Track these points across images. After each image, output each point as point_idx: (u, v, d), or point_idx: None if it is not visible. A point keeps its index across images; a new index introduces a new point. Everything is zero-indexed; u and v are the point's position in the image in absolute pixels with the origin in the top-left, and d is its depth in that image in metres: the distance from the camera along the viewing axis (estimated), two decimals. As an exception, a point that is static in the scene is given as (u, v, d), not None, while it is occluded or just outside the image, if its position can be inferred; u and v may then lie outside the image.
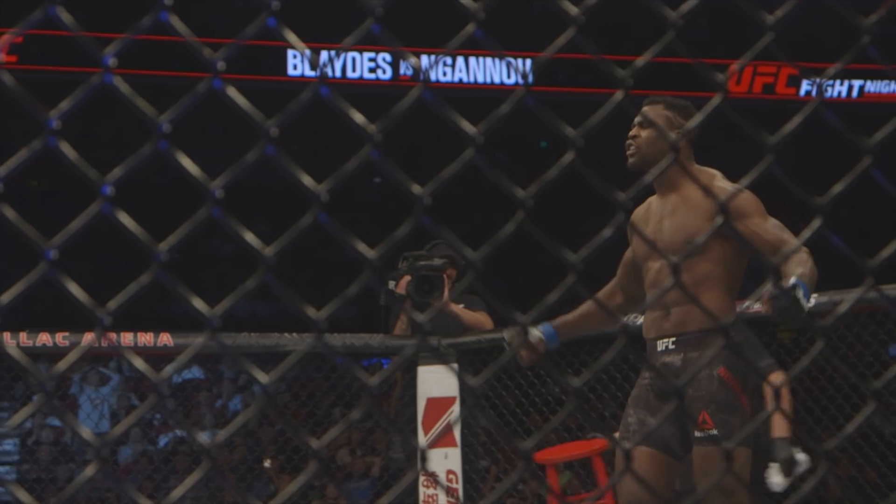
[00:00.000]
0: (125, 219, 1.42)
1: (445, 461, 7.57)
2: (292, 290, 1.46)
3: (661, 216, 5.07)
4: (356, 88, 19.81)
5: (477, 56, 20.90)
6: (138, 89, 1.44)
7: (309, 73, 20.68)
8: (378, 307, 8.22)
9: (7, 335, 7.47)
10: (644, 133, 5.07)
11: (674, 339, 4.96)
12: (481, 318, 8.07)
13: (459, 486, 7.74)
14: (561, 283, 1.67)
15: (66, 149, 1.40)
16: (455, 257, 8.06)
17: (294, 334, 7.90)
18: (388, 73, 20.83)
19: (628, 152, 5.08)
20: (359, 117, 1.46)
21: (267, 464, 10.86)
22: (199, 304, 1.41)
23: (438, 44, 19.77)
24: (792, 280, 4.49)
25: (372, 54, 20.65)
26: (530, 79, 1.63)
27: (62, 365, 1.46)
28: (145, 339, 7.78)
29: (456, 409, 7.83)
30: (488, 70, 21.06)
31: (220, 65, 1.39)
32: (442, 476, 7.70)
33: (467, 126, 1.55)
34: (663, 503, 5.01)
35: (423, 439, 7.68)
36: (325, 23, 17.42)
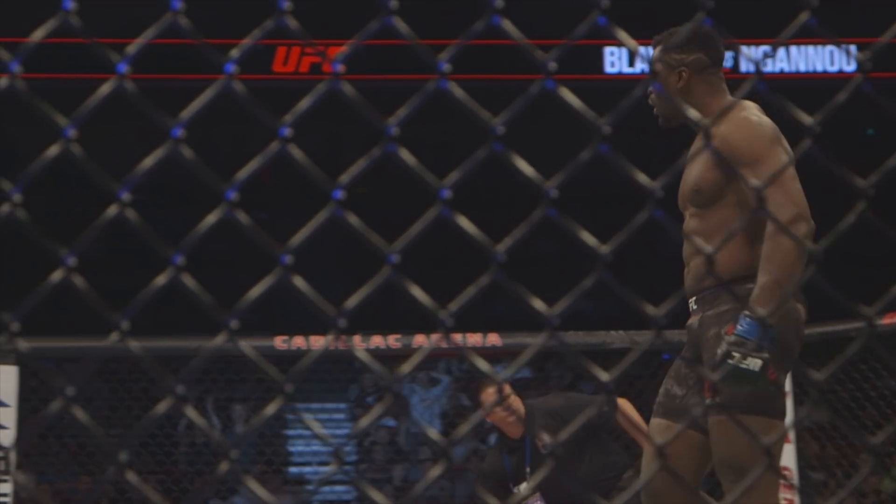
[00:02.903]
0: (463, 221, 1.44)
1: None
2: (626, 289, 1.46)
3: (689, 160, 4.32)
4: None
5: (798, 45, 20.44)
6: (470, 94, 1.46)
7: (627, 69, 20.62)
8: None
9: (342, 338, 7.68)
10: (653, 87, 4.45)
11: (695, 297, 4.26)
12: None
13: (795, 482, 7.58)
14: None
15: (405, 155, 1.44)
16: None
17: (620, 332, 7.88)
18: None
19: (654, 114, 4.43)
20: (693, 113, 1.44)
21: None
22: (538, 304, 1.43)
23: (749, 35, 19.41)
24: (732, 336, 3.88)
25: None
26: (868, 65, 1.58)
27: (406, 367, 1.49)
28: (474, 339, 7.88)
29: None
30: (810, 58, 20.56)
31: (552, 65, 1.40)
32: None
33: (803, 116, 1.52)
34: (683, 481, 4.25)
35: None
36: (643, 17, 17.31)
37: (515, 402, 6.89)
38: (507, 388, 6.83)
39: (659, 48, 4.44)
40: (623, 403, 7.00)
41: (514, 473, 6.95)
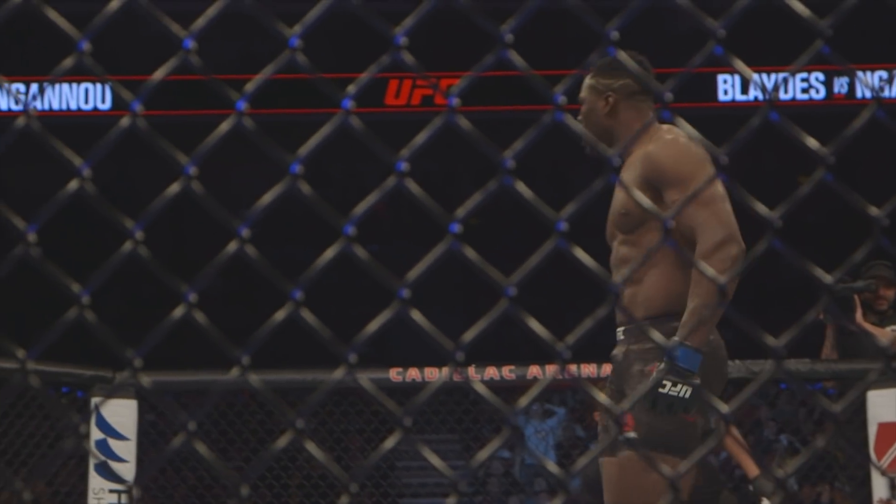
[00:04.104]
0: (580, 253, 1.44)
1: (901, 489, 7.28)
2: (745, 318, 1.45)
3: (617, 186, 4.25)
4: (788, 110, 19.46)
5: (915, 68, 20.15)
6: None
7: (740, 97, 20.47)
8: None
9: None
10: (581, 110, 4.34)
11: (623, 328, 4.15)
12: None
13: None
14: None
15: (521, 187, 1.44)
16: (889, 277, 7.87)
17: (736, 361, 7.79)
18: (822, 93, 20.36)
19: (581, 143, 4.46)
20: (811, 141, 1.43)
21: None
22: (656, 335, 1.42)
23: (864, 60, 19.16)
24: (662, 364, 3.75)
25: (804, 74, 20.24)
26: None
27: (525, 400, 1.49)
28: (588, 370, 7.83)
29: (910, 434, 7.54)
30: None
31: (668, 96, 1.39)
32: (898, 505, 7.42)
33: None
34: None
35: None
36: (761, 46, 17.19)
37: None
38: None
39: (589, 75, 4.35)
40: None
41: None
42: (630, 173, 4.14)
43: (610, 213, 4.23)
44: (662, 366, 3.80)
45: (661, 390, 3.75)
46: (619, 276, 4.21)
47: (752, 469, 7.11)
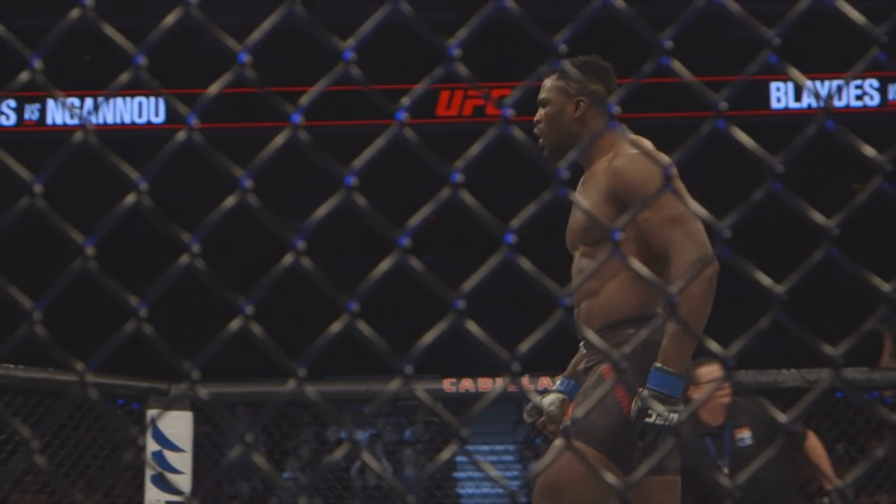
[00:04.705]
0: (635, 264, 1.44)
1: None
2: (802, 327, 1.44)
3: (578, 195, 4.12)
4: (842, 117, 19.33)
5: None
6: (643, 132, 1.46)
7: (793, 105, 20.36)
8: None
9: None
10: (543, 113, 4.21)
11: (583, 342, 4.03)
12: None
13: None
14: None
15: (574, 197, 1.44)
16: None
17: (792, 370, 7.74)
18: (876, 100, 20.22)
19: (539, 143, 4.24)
20: (868, 149, 1.42)
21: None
22: (713, 345, 1.41)
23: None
24: (645, 391, 3.62)
25: (858, 81, 20.10)
26: None
27: (580, 411, 1.48)
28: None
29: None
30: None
31: (723, 105, 1.39)
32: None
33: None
34: None
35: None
36: (813, 53, 17.07)
37: None
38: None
39: (554, 76, 4.19)
40: (812, 436, 6.97)
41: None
42: (594, 186, 4.08)
43: (571, 223, 4.16)
44: (645, 392, 3.71)
45: (647, 420, 3.67)
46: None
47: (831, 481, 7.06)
